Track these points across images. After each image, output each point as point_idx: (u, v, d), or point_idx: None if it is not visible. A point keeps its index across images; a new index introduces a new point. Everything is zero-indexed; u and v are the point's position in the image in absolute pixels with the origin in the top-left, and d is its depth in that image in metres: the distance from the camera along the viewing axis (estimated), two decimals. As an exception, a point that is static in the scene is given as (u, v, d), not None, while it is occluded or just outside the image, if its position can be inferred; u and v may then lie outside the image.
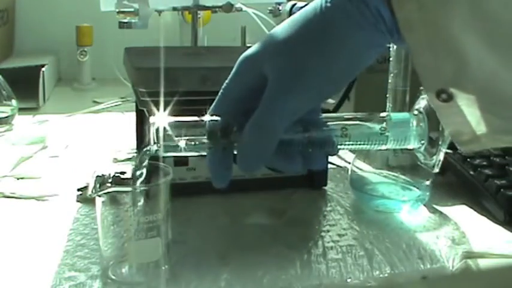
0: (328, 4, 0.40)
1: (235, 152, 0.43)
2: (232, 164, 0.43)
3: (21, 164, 0.71)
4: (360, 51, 0.41)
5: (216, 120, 0.42)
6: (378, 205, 0.60)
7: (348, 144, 0.43)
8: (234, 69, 0.44)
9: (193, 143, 0.42)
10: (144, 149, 0.42)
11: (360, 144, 0.43)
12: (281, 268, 0.48)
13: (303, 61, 0.40)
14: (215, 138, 0.42)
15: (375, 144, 0.44)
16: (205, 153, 0.43)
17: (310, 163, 0.44)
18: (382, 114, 0.44)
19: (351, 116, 0.44)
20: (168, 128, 0.41)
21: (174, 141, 0.41)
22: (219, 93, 0.44)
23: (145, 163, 0.43)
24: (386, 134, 0.43)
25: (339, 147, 0.43)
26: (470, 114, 0.40)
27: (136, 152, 0.41)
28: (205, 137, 0.42)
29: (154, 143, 0.41)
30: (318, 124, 0.43)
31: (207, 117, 0.42)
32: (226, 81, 0.44)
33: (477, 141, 0.41)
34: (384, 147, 0.44)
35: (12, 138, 0.82)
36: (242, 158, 0.42)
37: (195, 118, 0.42)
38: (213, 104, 0.44)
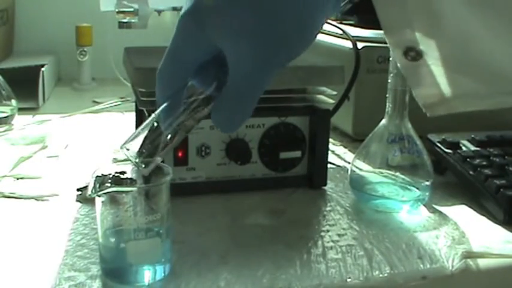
0: None
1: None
2: None
3: (21, 164, 0.71)
4: None
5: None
6: (377, 205, 0.60)
7: None
8: (180, 32, 0.39)
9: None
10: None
11: None
12: (281, 268, 0.48)
13: (259, 14, 0.35)
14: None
15: None
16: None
17: None
18: None
19: None
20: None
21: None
22: (166, 56, 0.40)
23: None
24: None
25: None
26: (440, 74, 0.37)
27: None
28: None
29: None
30: None
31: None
32: (173, 46, 0.40)
33: (445, 104, 0.38)
34: None
35: (12, 138, 0.82)
36: (225, 127, 0.40)
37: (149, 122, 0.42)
38: (163, 71, 0.40)
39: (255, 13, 0.36)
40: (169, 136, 0.41)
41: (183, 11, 0.38)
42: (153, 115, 0.42)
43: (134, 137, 0.41)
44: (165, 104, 0.41)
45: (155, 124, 0.41)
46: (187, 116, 0.41)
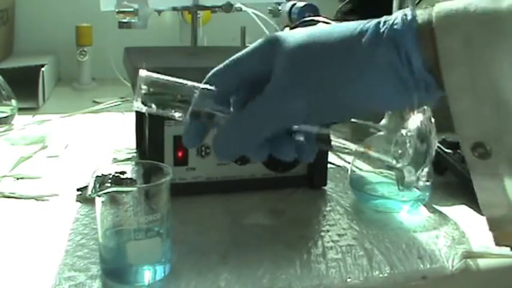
0: (363, 39, 0.36)
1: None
2: (206, 133, 0.44)
3: (21, 164, 0.71)
4: (373, 97, 0.37)
5: (209, 89, 0.42)
6: (377, 205, 0.60)
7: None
8: (254, 45, 0.42)
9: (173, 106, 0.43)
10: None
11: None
12: (281, 268, 0.48)
13: (312, 80, 0.38)
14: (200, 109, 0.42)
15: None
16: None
17: (301, 155, 0.42)
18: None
19: None
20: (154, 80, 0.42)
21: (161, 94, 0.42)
22: (229, 61, 0.43)
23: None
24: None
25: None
26: (510, 179, 0.33)
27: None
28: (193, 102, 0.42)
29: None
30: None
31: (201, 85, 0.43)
32: (242, 52, 0.42)
33: None
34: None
35: (12, 138, 0.82)
36: (218, 145, 0.42)
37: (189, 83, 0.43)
38: (219, 68, 0.43)
39: (308, 61, 0.39)
40: (177, 112, 0.42)
41: (274, 34, 0.42)
42: (194, 83, 0.42)
43: (162, 79, 0.42)
44: (210, 88, 0.42)
45: (183, 93, 0.42)
46: (203, 113, 0.42)
